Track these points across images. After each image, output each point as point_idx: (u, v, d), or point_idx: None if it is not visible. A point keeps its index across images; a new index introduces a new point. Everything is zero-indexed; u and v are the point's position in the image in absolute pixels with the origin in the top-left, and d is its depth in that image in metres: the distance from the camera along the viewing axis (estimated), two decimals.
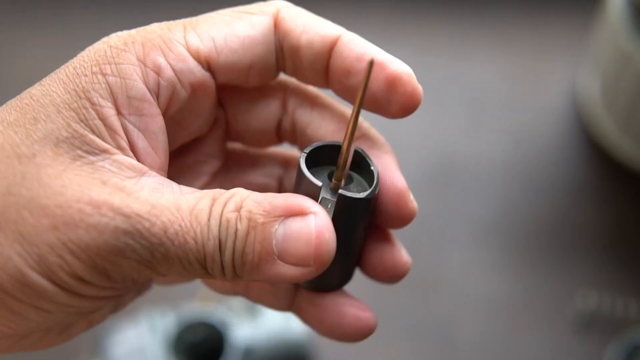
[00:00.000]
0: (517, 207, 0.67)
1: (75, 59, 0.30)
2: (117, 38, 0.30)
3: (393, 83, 0.31)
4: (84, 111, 0.28)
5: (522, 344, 0.61)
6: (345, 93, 0.32)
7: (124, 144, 0.28)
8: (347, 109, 0.33)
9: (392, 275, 0.35)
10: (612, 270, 0.64)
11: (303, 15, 0.32)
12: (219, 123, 0.34)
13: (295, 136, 0.33)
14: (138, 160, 0.29)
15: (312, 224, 0.28)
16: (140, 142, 0.29)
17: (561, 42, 0.77)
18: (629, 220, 0.67)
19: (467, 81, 0.75)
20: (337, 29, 0.32)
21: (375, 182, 0.30)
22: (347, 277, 0.34)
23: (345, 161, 0.29)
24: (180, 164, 0.33)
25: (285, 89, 0.33)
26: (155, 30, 0.31)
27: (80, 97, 0.28)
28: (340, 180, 0.29)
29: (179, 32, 0.31)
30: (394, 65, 0.31)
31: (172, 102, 0.30)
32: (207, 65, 0.30)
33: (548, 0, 0.80)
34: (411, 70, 0.31)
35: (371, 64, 0.27)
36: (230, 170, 0.35)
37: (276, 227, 0.28)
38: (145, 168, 0.28)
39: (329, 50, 0.31)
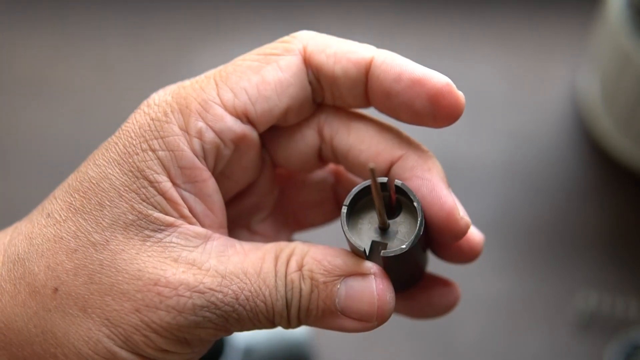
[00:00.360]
0: (517, 207, 0.67)
1: (121, 133, 0.32)
2: (156, 108, 0.32)
3: (435, 98, 0.32)
4: (143, 190, 0.30)
5: (522, 344, 0.61)
6: (388, 111, 0.33)
7: (186, 212, 0.30)
8: (386, 122, 0.33)
9: (468, 257, 0.36)
10: (612, 270, 0.64)
11: (330, 44, 0.32)
12: (266, 162, 0.35)
13: (338, 160, 0.34)
14: (199, 224, 0.31)
15: (373, 285, 0.30)
16: (198, 207, 0.31)
17: (561, 42, 0.77)
18: (628, 220, 0.67)
19: (467, 81, 0.75)
20: (368, 50, 0.33)
21: (419, 222, 0.30)
22: (417, 281, 0.35)
23: (382, 216, 0.30)
24: (239, 209, 0.35)
25: (319, 116, 0.34)
26: (190, 93, 0.32)
27: (137, 178, 0.30)
28: (385, 224, 0.30)
29: (212, 90, 0.32)
30: (433, 79, 0.32)
31: (219, 160, 0.32)
32: (246, 118, 0.32)
33: (548, 0, 0.80)
34: (450, 81, 0.32)
35: (372, 171, 0.28)
36: (284, 193, 0.37)
37: (338, 286, 0.30)
38: (209, 232, 0.31)
39: (365, 74, 0.32)
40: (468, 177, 0.69)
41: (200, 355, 0.32)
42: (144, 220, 0.30)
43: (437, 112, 0.32)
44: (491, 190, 0.68)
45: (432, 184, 0.32)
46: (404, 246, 0.30)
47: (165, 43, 0.76)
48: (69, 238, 0.30)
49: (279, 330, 0.58)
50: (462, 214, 0.33)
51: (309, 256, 0.30)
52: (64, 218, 0.30)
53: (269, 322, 0.30)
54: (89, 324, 0.29)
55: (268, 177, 0.35)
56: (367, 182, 0.30)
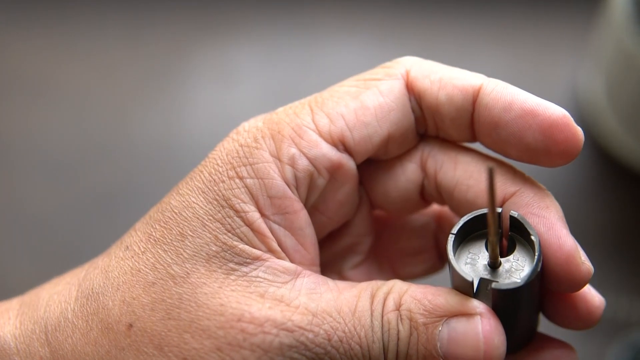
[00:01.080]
0: None
1: (207, 161, 0.29)
2: (246, 134, 0.29)
3: (549, 131, 0.29)
4: (229, 220, 0.27)
5: None
6: (496, 145, 0.30)
7: (275, 245, 0.28)
8: (497, 157, 0.31)
9: (585, 323, 0.32)
10: (615, 271, 0.64)
11: (436, 70, 0.30)
12: (363, 200, 0.32)
13: (442, 199, 0.31)
14: (289, 259, 0.28)
15: (479, 327, 0.27)
16: (288, 240, 0.28)
17: (562, 41, 0.77)
18: (632, 221, 0.66)
19: None
20: (476, 78, 0.30)
21: (536, 257, 0.27)
22: (530, 339, 0.31)
23: (494, 249, 0.27)
24: (333, 250, 0.33)
25: (422, 149, 0.31)
26: (283, 118, 0.29)
27: (222, 207, 0.28)
28: (497, 259, 0.27)
29: (307, 116, 0.29)
30: (548, 110, 0.29)
31: (312, 192, 0.29)
32: (342, 145, 0.29)
33: (548, 0, 0.80)
34: (567, 113, 0.29)
35: (491, 171, 0.25)
36: (380, 238, 0.34)
37: (440, 328, 0.27)
38: (299, 268, 0.28)
39: (472, 103, 0.29)
40: None
41: None
42: (229, 252, 0.27)
43: (551, 146, 0.29)
44: None
45: (551, 223, 0.29)
46: (518, 280, 0.26)
47: (165, 43, 0.76)
48: (147, 270, 0.28)
49: None
50: (583, 258, 0.30)
51: (408, 294, 0.28)
52: (142, 250, 0.28)
53: None
54: None
55: (364, 217, 0.32)
56: (481, 211, 0.27)
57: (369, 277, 0.33)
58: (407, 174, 0.31)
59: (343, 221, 0.32)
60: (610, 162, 0.69)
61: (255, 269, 0.27)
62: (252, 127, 0.29)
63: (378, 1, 0.79)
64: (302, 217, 0.29)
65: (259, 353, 0.26)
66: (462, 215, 0.29)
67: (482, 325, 0.27)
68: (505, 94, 0.29)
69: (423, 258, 0.34)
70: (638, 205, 0.67)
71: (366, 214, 0.32)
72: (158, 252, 0.28)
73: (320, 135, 0.29)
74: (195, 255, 0.27)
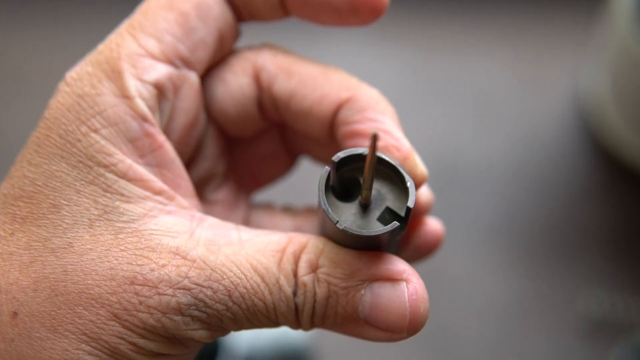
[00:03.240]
0: (521, 208, 0.67)
1: (50, 122, 0.27)
2: (80, 83, 0.27)
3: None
4: (102, 179, 0.25)
5: (525, 346, 0.61)
6: (309, 15, 0.30)
7: (158, 185, 0.26)
8: (328, 66, 0.31)
9: (429, 246, 0.33)
10: (617, 272, 0.64)
11: None
12: (210, 123, 0.31)
13: (280, 113, 0.30)
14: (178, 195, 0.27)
15: (405, 294, 0.26)
16: (167, 176, 0.27)
17: (565, 42, 0.77)
18: (634, 222, 0.66)
19: (471, 82, 0.74)
20: None
21: (410, 200, 0.26)
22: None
23: (370, 190, 0.26)
24: (192, 178, 0.31)
25: (254, 62, 0.30)
26: (110, 55, 0.27)
27: (90, 167, 0.26)
28: (368, 200, 0.26)
29: (132, 44, 0.27)
30: None
31: (164, 118, 0.28)
32: (180, 60, 0.28)
33: (551, 0, 0.80)
34: None
35: (374, 137, 0.24)
36: (233, 155, 0.32)
37: (362, 292, 0.26)
38: (197, 214, 0.27)
39: None
40: (472, 178, 0.68)
41: (197, 351, 0.28)
42: (113, 212, 0.25)
43: (357, 5, 0.28)
44: (495, 191, 0.68)
45: (387, 127, 0.28)
46: (385, 227, 0.25)
47: None
48: (21, 251, 0.25)
49: (279, 336, 0.58)
50: (418, 161, 0.29)
51: (324, 257, 0.26)
52: (10, 232, 0.25)
53: (272, 322, 0.26)
54: (64, 344, 0.24)
55: (215, 138, 0.31)
56: (356, 150, 0.26)
57: (233, 194, 0.32)
58: (243, 89, 0.30)
59: (196, 145, 0.30)
60: (613, 162, 0.69)
61: (145, 223, 0.25)
62: (83, 74, 0.27)
63: None
64: (169, 148, 0.27)
65: (157, 315, 0.25)
66: (299, 127, 0.29)
67: (409, 292, 0.26)
68: None
69: (277, 161, 0.33)
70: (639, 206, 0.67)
71: (215, 135, 0.31)
72: (30, 229, 0.25)
73: (154, 57, 0.27)
74: (76, 224, 0.25)
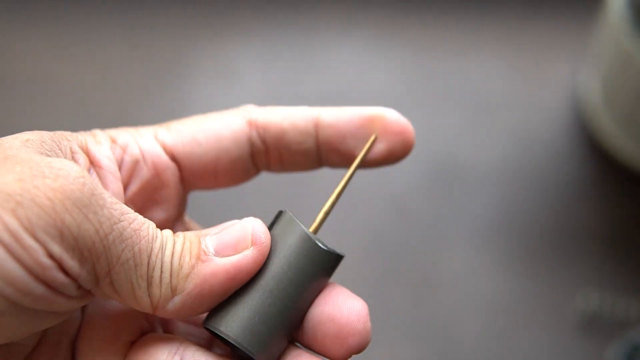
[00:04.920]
0: (518, 207, 0.67)
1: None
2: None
3: (394, 134, 0.32)
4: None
5: (522, 344, 0.61)
6: (344, 159, 0.32)
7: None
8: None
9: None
10: (613, 270, 0.64)
11: (277, 108, 0.32)
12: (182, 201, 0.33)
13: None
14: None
15: (248, 225, 0.28)
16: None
17: (562, 42, 0.77)
18: (630, 221, 0.66)
19: (467, 81, 0.75)
20: (314, 109, 0.32)
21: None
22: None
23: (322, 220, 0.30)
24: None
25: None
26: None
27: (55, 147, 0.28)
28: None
29: (149, 130, 0.32)
30: (387, 115, 0.32)
31: (134, 176, 0.31)
32: (172, 155, 0.31)
33: (548, 0, 0.80)
34: (396, 113, 0.32)
35: (374, 140, 0.28)
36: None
37: (210, 234, 0.28)
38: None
39: (314, 125, 0.32)
40: (468, 177, 0.69)
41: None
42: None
43: (395, 147, 0.32)
44: (491, 190, 0.68)
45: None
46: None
47: (165, 43, 0.76)
48: None
49: None
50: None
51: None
52: None
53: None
54: None
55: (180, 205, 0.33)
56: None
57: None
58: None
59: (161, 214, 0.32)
60: (609, 163, 0.69)
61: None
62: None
63: (378, 1, 0.79)
64: (116, 187, 0.30)
65: None
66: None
67: (252, 224, 0.28)
68: (341, 111, 0.32)
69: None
70: (636, 205, 0.67)
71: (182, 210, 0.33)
72: None
73: (156, 139, 0.31)
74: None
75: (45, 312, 0.26)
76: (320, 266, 0.28)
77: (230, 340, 0.27)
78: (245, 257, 0.27)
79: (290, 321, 0.28)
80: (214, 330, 0.28)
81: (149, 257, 0.27)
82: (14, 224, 0.24)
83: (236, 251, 0.27)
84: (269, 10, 0.78)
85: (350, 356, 0.28)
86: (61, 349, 0.29)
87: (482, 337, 0.61)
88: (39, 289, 0.24)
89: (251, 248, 0.27)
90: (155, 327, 0.31)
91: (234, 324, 0.27)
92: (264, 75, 0.74)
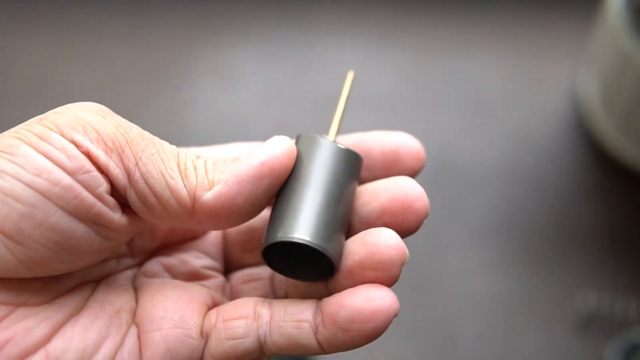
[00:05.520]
0: (517, 207, 0.67)
1: None
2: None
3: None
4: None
5: (521, 344, 0.61)
6: None
7: None
8: None
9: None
10: (612, 270, 0.64)
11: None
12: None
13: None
14: None
15: (270, 139, 0.28)
16: None
17: (561, 42, 0.77)
18: (628, 221, 0.67)
19: (466, 81, 0.75)
20: None
21: None
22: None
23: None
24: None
25: None
26: None
27: None
28: None
29: None
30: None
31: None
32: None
33: (548, 0, 0.80)
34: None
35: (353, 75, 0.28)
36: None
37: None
38: None
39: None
40: (467, 177, 0.69)
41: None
42: None
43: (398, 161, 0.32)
44: (490, 190, 0.68)
45: None
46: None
47: (165, 43, 0.76)
48: None
49: None
50: None
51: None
52: None
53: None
54: None
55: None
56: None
57: None
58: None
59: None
60: (607, 163, 0.70)
61: None
62: None
63: (378, 1, 0.79)
64: None
65: None
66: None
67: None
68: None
69: None
70: (634, 205, 0.67)
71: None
72: None
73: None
74: None
75: (88, 233, 0.26)
76: (350, 165, 0.29)
77: (307, 244, 0.26)
78: (275, 147, 0.27)
79: (344, 219, 0.28)
80: (286, 240, 0.27)
81: (177, 156, 0.27)
82: (39, 128, 0.25)
83: (261, 154, 0.27)
84: (269, 10, 0.78)
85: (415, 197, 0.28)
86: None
87: (482, 336, 0.61)
88: (66, 179, 0.25)
89: (278, 140, 0.27)
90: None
91: (302, 229, 0.27)
92: (264, 75, 0.74)
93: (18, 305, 0.26)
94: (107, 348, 0.26)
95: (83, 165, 0.25)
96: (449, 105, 0.73)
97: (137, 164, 0.26)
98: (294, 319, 0.27)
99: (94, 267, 0.29)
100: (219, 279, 0.31)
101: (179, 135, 0.70)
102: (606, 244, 0.66)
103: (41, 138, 0.25)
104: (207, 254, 0.32)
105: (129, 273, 0.30)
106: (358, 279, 0.27)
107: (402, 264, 0.27)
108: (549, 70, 0.75)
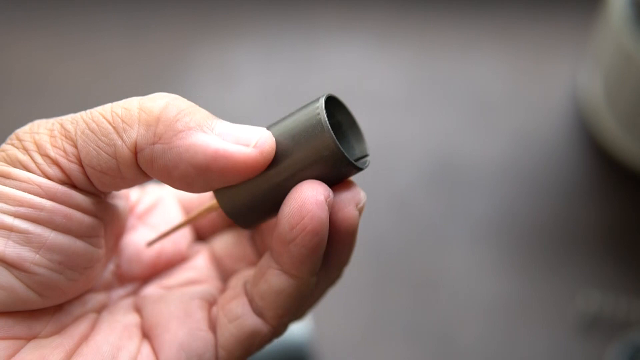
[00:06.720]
0: (518, 206, 0.67)
1: None
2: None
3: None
4: None
5: (523, 345, 0.61)
6: None
7: None
8: None
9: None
10: (614, 270, 0.64)
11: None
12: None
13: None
14: None
15: (260, 130, 0.27)
16: None
17: (563, 41, 0.77)
18: (631, 220, 0.66)
19: (468, 80, 0.75)
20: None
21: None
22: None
23: None
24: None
25: None
26: None
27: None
28: None
29: None
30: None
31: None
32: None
33: (549, 0, 0.80)
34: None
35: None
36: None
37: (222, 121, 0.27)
38: None
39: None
40: (469, 176, 0.69)
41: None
42: None
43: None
44: (492, 190, 0.68)
45: None
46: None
47: (165, 43, 0.76)
48: None
49: None
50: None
51: None
52: None
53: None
54: None
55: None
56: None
57: None
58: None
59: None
60: (609, 162, 0.69)
61: None
62: None
63: (378, 1, 0.79)
64: None
65: None
66: None
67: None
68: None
69: None
70: (636, 205, 0.67)
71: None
72: None
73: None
74: None
75: (86, 247, 0.27)
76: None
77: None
78: (239, 152, 0.26)
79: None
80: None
81: (101, 115, 0.27)
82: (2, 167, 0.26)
83: (236, 141, 0.26)
84: (269, 10, 0.78)
85: None
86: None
87: (482, 337, 0.61)
88: (47, 203, 0.26)
89: (253, 149, 0.26)
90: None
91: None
92: (264, 75, 0.74)
93: (29, 338, 0.27)
94: (123, 358, 0.27)
95: (52, 185, 0.26)
96: (450, 104, 0.73)
97: (77, 154, 0.26)
98: (268, 272, 0.28)
99: (91, 297, 0.30)
100: (216, 282, 0.32)
101: None
102: (608, 243, 0.65)
103: (5, 177, 0.26)
104: (198, 270, 0.32)
105: (127, 300, 0.31)
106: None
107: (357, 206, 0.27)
108: (551, 70, 0.75)
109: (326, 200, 0.26)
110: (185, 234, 0.33)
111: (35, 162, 0.26)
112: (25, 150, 0.26)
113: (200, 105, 0.72)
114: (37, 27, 0.77)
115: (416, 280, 0.64)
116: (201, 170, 0.26)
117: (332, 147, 0.26)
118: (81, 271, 0.27)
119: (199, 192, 0.27)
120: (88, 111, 0.27)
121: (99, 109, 0.27)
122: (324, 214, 0.25)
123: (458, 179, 0.68)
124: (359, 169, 0.27)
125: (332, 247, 0.28)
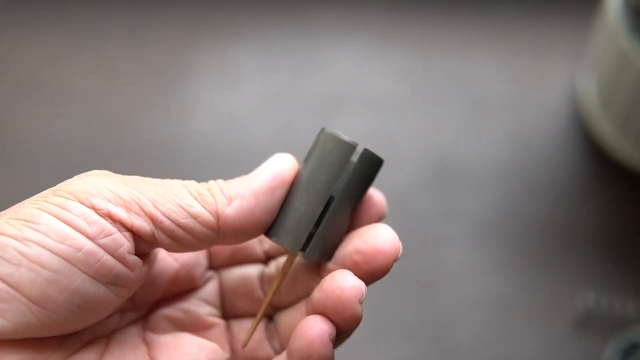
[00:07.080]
0: (516, 207, 0.67)
1: None
2: None
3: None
4: None
5: (521, 343, 0.61)
6: None
7: None
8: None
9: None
10: (611, 270, 0.64)
11: None
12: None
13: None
14: None
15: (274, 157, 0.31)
16: None
17: (560, 42, 0.77)
18: (627, 220, 0.67)
19: (466, 81, 0.75)
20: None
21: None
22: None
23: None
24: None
25: None
26: None
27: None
28: None
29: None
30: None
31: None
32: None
33: (547, 0, 0.80)
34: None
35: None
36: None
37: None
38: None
39: None
40: (466, 177, 0.69)
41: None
42: None
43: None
44: (490, 190, 0.68)
45: None
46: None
47: (166, 44, 0.76)
48: None
49: None
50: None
51: None
52: None
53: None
54: None
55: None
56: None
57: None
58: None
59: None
60: (606, 162, 0.70)
61: None
62: None
63: (378, 1, 0.80)
64: None
65: None
66: None
67: None
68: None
69: None
70: (634, 205, 0.67)
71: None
72: None
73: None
74: None
75: (107, 293, 0.27)
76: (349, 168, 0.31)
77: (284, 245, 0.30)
78: (283, 161, 0.30)
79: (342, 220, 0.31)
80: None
81: (185, 187, 0.29)
82: (57, 199, 0.27)
83: (271, 169, 0.30)
84: (269, 10, 0.79)
85: None
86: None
87: (481, 336, 0.62)
88: (88, 244, 0.27)
89: (283, 156, 0.31)
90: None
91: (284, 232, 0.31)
92: (264, 75, 0.74)
93: None
94: None
95: (103, 230, 0.27)
96: (448, 105, 0.73)
97: (155, 207, 0.28)
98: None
99: (101, 322, 0.30)
100: (222, 326, 0.33)
101: (181, 135, 0.70)
102: (605, 243, 0.66)
103: (61, 207, 0.26)
104: (208, 302, 0.33)
105: (136, 328, 0.31)
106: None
107: (360, 302, 0.29)
108: (548, 70, 0.76)
109: (330, 338, 0.28)
110: (201, 261, 0.34)
111: (99, 202, 0.27)
112: (96, 189, 0.27)
113: (200, 105, 0.73)
114: (37, 27, 0.77)
115: (415, 280, 0.64)
116: (269, 191, 0.30)
117: (336, 139, 0.30)
118: (95, 314, 0.27)
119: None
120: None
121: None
122: (329, 352, 0.28)
123: (456, 179, 0.69)
124: (353, 146, 0.30)
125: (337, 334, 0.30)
